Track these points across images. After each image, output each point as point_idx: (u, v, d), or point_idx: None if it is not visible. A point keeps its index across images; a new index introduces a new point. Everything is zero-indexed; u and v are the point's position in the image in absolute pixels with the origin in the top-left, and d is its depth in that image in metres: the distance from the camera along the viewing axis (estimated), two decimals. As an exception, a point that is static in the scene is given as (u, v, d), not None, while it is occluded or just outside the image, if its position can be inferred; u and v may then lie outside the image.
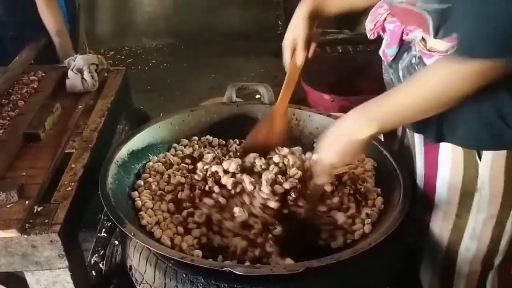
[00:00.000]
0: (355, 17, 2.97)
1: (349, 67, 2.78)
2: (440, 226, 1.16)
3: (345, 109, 2.22)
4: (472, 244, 1.14)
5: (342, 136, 1.03)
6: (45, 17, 1.94)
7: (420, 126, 1.07)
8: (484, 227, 1.12)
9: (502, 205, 1.09)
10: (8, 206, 1.10)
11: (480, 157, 1.05)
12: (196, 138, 1.46)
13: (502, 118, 0.98)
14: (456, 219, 1.13)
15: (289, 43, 1.23)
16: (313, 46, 1.25)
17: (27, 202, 1.11)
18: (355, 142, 1.01)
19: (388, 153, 1.30)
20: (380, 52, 1.14)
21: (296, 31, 1.21)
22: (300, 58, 1.24)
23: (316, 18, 1.22)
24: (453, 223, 1.13)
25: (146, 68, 4.05)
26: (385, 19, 1.11)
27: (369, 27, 1.14)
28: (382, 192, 1.24)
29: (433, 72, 0.94)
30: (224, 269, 0.95)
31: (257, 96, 1.66)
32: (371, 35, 1.15)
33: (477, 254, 1.15)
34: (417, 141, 1.17)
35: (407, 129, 1.24)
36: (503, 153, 1.04)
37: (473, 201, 1.09)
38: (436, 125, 1.04)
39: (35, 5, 1.92)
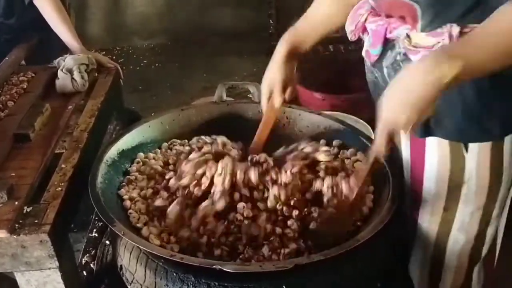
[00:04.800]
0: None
1: (341, 66, 2.78)
2: (429, 220, 1.17)
3: (336, 108, 2.24)
4: (460, 236, 1.15)
5: (416, 85, 0.85)
6: (59, 27, 1.88)
7: None
8: (471, 219, 1.13)
9: (489, 196, 1.11)
10: (-3, 206, 1.09)
11: (467, 149, 1.06)
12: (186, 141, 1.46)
13: (486, 109, 0.99)
14: (444, 212, 1.14)
15: (266, 85, 1.27)
16: (289, 89, 1.27)
17: (16, 202, 1.11)
18: (435, 89, 0.84)
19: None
20: (363, 53, 1.14)
21: (272, 76, 1.24)
22: (277, 102, 1.27)
23: (294, 59, 1.24)
24: (441, 216, 1.14)
25: (138, 68, 4.04)
26: (365, 20, 1.10)
27: (350, 28, 1.14)
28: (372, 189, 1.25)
29: None
30: (214, 266, 0.95)
31: (249, 95, 1.66)
32: (352, 37, 1.15)
33: (465, 246, 1.17)
34: (403, 134, 1.16)
35: None
36: (488, 145, 1.05)
37: (461, 193, 1.10)
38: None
39: (35, 10, 1.90)
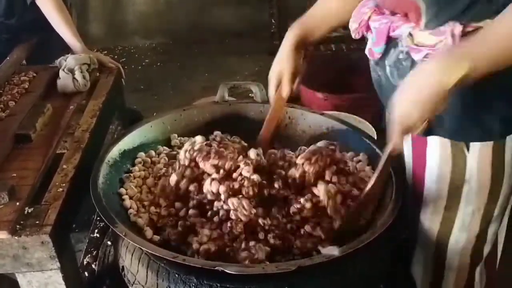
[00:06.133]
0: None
1: (343, 65, 2.78)
2: (430, 219, 1.16)
3: (338, 107, 2.24)
4: (461, 236, 1.15)
5: (425, 86, 0.89)
6: (61, 27, 1.88)
7: None
8: (472, 219, 1.13)
9: (490, 196, 1.10)
10: (-2, 207, 1.09)
11: (468, 149, 1.06)
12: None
13: (486, 108, 0.99)
14: (445, 211, 1.13)
15: (275, 75, 1.27)
16: (298, 78, 1.28)
17: (17, 203, 1.10)
18: (442, 88, 0.87)
19: (381, 151, 1.30)
20: (366, 51, 1.14)
21: (282, 64, 1.24)
22: (286, 91, 1.27)
23: (302, 48, 1.25)
24: (442, 215, 1.14)
25: (139, 67, 4.04)
26: (369, 18, 1.10)
27: (353, 26, 1.14)
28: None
29: None
30: (216, 268, 0.94)
31: (251, 95, 1.66)
32: (355, 35, 1.15)
33: (466, 246, 1.16)
34: None
35: None
36: (489, 144, 1.05)
37: (462, 193, 1.10)
38: None
39: (36, 10, 1.89)
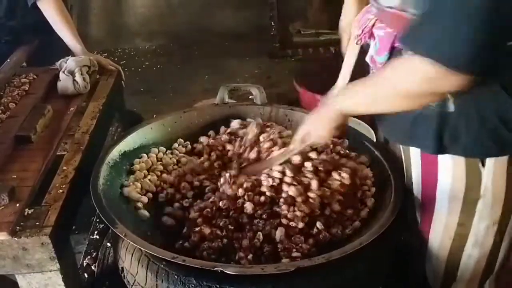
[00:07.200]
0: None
1: (343, 68, 2.78)
2: (442, 236, 1.14)
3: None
4: (474, 251, 1.13)
5: (320, 117, 1.14)
6: (62, 30, 1.89)
7: (416, 139, 1.06)
8: (486, 234, 1.10)
9: (504, 211, 1.08)
10: (-1, 208, 1.09)
11: (483, 164, 1.04)
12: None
13: (504, 123, 0.97)
14: (458, 227, 1.11)
15: (345, 29, 1.29)
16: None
17: (18, 204, 1.11)
18: (332, 120, 1.11)
19: (380, 153, 1.31)
20: (368, 59, 1.12)
21: (350, 17, 1.25)
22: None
23: None
24: (454, 232, 1.12)
25: (140, 69, 4.04)
26: (373, 25, 1.09)
27: (356, 33, 1.13)
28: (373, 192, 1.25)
29: (399, 66, 0.93)
30: (216, 269, 0.95)
31: (251, 97, 1.66)
32: (358, 41, 1.14)
33: (479, 261, 1.14)
34: (413, 151, 1.14)
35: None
36: (504, 158, 1.03)
37: (476, 208, 1.08)
38: (435, 137, 1.02)
39: (37, 12, 1.90)
